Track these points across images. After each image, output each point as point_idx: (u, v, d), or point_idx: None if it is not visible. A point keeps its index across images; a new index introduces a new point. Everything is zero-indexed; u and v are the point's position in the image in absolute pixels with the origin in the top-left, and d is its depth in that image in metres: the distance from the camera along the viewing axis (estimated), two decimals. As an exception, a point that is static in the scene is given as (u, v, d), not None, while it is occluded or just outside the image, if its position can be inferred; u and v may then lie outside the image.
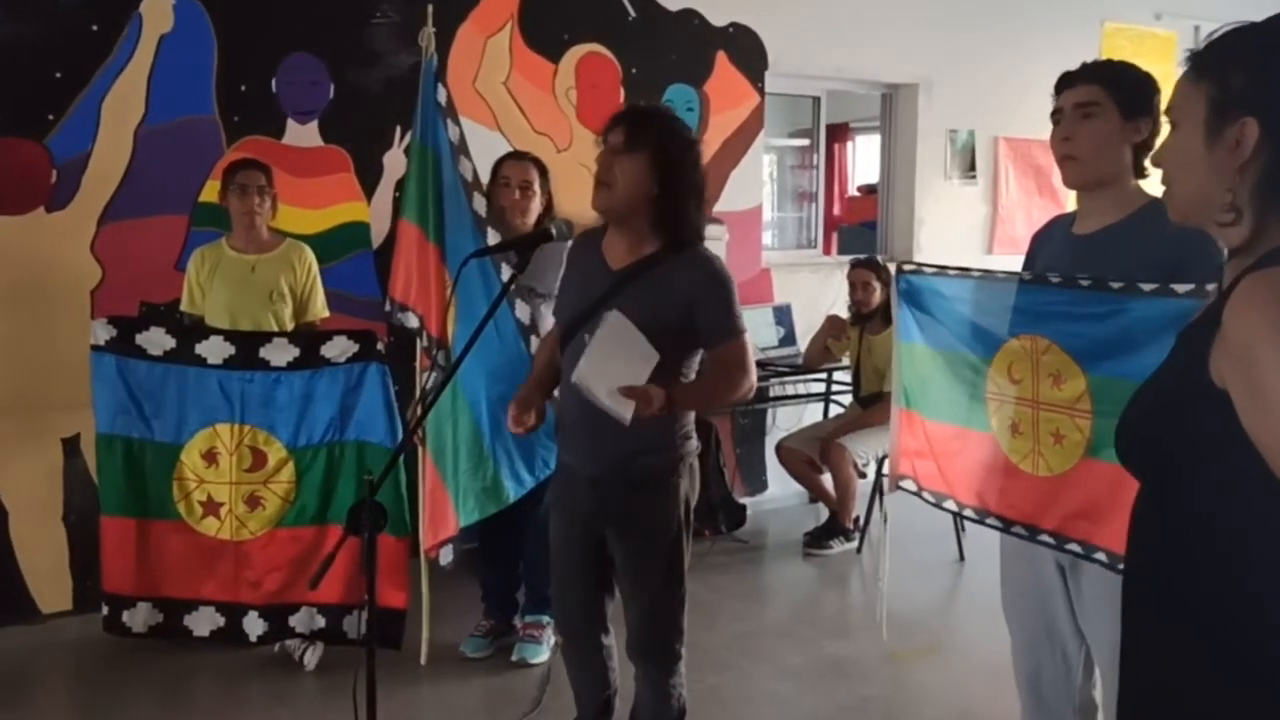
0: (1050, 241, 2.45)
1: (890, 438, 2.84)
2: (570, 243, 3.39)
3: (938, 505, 2.76)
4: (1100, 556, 2.25)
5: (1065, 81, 2.31)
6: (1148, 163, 2.28)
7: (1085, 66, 2.31)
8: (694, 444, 2.60)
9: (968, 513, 2.65)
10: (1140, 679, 1.50)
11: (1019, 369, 2.38)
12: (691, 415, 2.59)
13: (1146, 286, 2.10)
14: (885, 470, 5.12)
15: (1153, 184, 2.33)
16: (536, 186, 3.75)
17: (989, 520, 2.55)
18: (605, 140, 2.47)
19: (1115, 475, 2.19)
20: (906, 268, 2.69)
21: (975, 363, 2.52)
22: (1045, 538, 2.36)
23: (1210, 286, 2.03)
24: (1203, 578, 1.37)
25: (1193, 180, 1.41)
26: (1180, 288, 2.07)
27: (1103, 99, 2.23)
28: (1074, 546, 2.30)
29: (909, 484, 2.83)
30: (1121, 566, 2.17)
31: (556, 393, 3.40)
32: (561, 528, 2.70)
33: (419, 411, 3.50)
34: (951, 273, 2.62)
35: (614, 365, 2.34)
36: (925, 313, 2.66)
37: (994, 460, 2.50)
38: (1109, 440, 2.19)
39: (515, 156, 3.90)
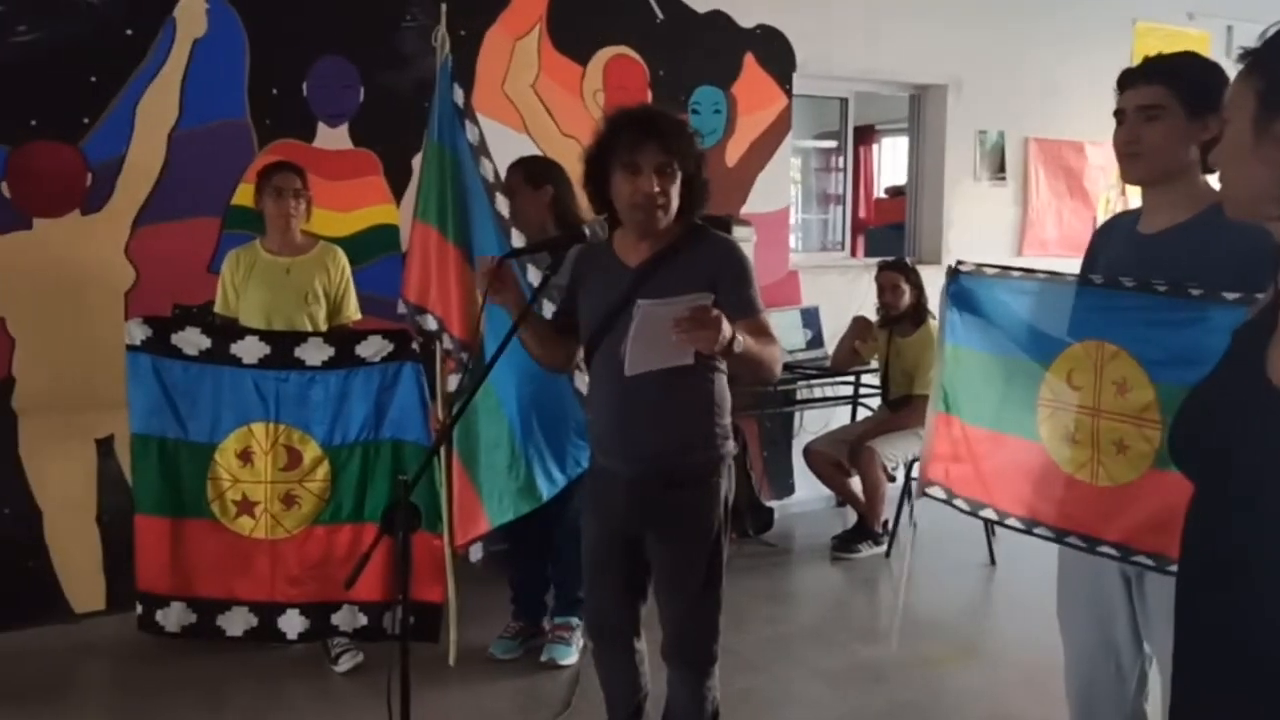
0: (1113, 239, 2.37)
1: (924, 442, 2.76)
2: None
3: (973, 513, 2.66)
4: (1173, 569, 2.16)
5: (1127, 80, 2.20)
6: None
7: (1148, 64, 2.21)
8: (733, 444, 2.58)
9: (1011, 521, 2.53)
10: (1195, 686, 1.48)
11: (1080, 375, 2.28)
12: (728, 415, 2.57)
13: (1230, 295, 1.99)
14: (915, 474, 5.12)
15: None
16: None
17: (1037, 530, 2.44)
18: (634, 154, 2.39)
19: (1185, 488, 2.15)
20: (963, 269, 2.58)
21: (1031, 368, 2.41)
22: (1107, 549, 2.26)
23: None
24: (1261, 581, 1.34)
25: (1244, 176, 1.39)
26: (1264, 296, 1.99)
27: (1167, 100, 2.13)
28: (1143, 559, 2.19)
29: (937, 491, 2.73)
30: None
31: (584, 389, 3.43)
32: (596, 531, 2.68)
33: (451, 411, 3.51)
34: (1015, 274, 2.52)
35: (656, 347, 2.30)
36: (979, 315, 2.56)
37: (1044, 469, 2.40)
38: None
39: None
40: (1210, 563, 1.45)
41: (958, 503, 2.70)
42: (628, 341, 2.27)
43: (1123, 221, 2.38)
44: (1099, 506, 2.28)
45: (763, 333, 2.45)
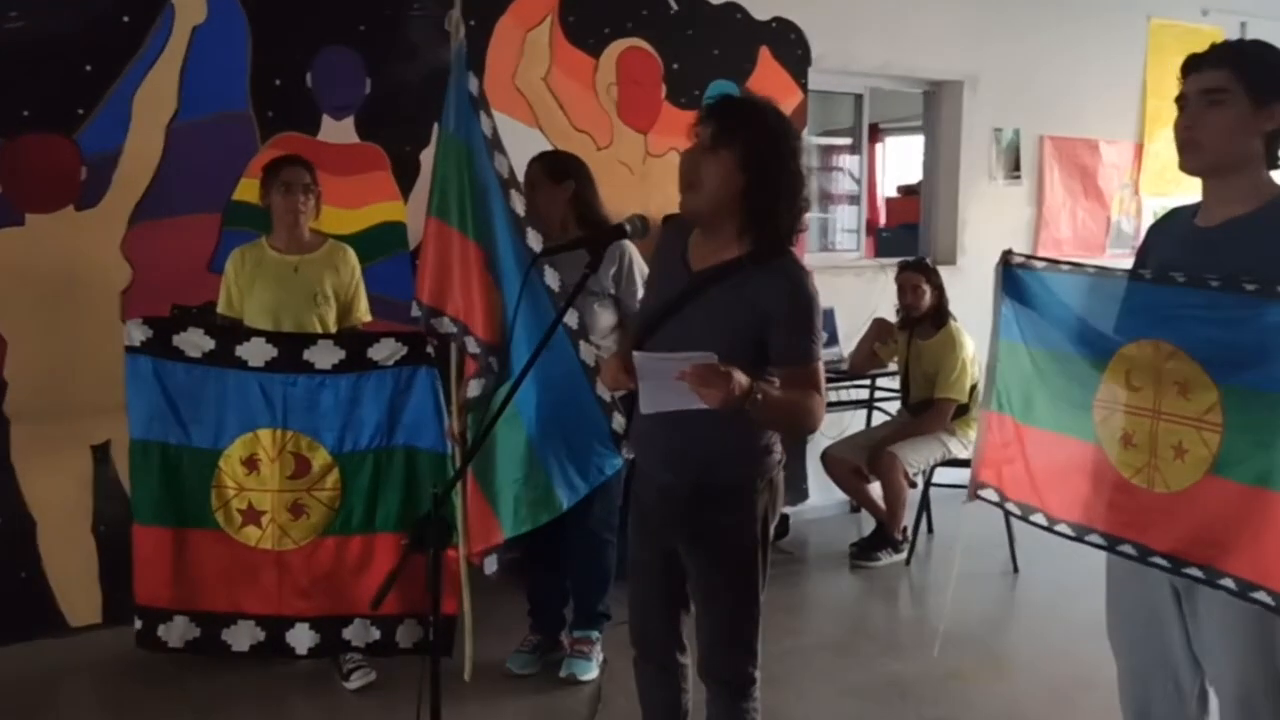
0: (1168, 234, 2.28)
1: (976, 442, 2.69)
2: (626, 241, 3.25)
3: (1024, 518, 2.61)
4: (1228, 583, 2.06)
5: (1191, 65, 2.12)
6: None
7: (1214, 49, 2.12)
8: (776, 458, 2.43)
9: (1061, 528, 2.47)
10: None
11: (1139, 376, 2.20)
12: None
13: None
14: (935, 479, 5.00)
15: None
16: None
17: (1089, 537, 2.37)
18: (695, 136, 2.29)
19: (1245, 496, 2.05)
20: (1014, 259, 2.51)
21: (1085, 367, 2.34)
22: (1158, 559, 2.18)
23: None
24: None
25: None
26: None
27: (1231, 85, 2.04)
28: (1194, 571, 2.12)
29: (990, 494, 2.68)
30: (1255, 595, 2.02)
31: (606, 396, 3.30)
32: (636, 536, 2.56)
33: (467, 420, 3.36)
34: (1064, 268, 2.45)
35: (669, 390, 2.16)
36: (1030, 309, 2.49)
37: (1100, 473, 2.32)
38: (1240, 457, 2.05)
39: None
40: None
41: (1009, 506, 2.63)
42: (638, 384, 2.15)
43: (1179, 216, 2.28)
44: (1153, 514, 2.20)
45: (805, 384, 2.25)
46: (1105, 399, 2.28)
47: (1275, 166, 2.11)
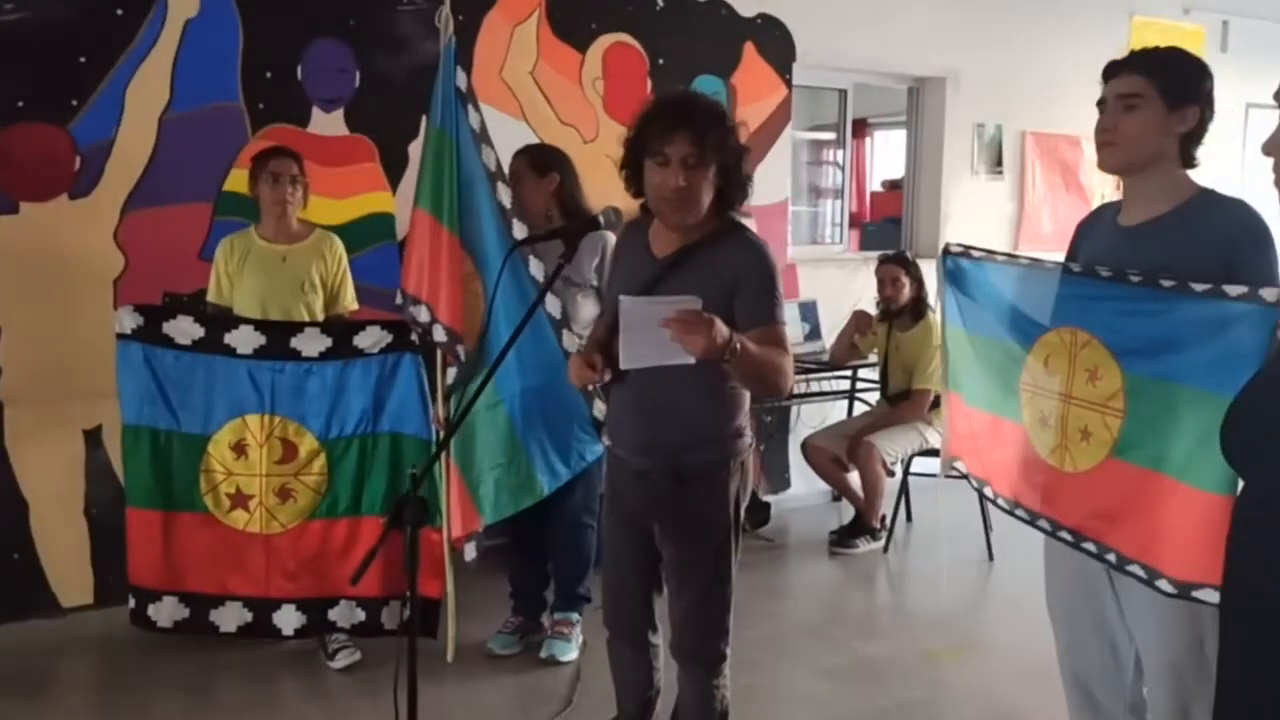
0: (1096, 231, 2.40)
1: (944, 421, 2.81)
2: (607, 232, 3.33)
3: (979, 490, 2.74)
4: (1111, 557, 2.21)
5: (1110, 71, 2.25)
6: (1198, 151, 2.23)
7: (1131, 55, 2.25)
8: (747, 441, 2.53)
9: (1001, 502, 2.61)
10: (1245, 684, 1.44)
11: (1056, 361, 2.33)
12: (746, 411, 2.52)
13: (1198, 287, 2.04)
14: (914, 469, 5.09)
15: (1201, 174, 2.28)
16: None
17: (1018, 511, 2.52)
18: (664, 144, 2.32)
19: (1137, 478, 2.18)
20: (954, 248, 2.65)
21: (1014, 351, 2.47)
22: (1064, 534, 2.33)
23: (1266, 290, 1.96)
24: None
25: None
26: (1232, 290, 1.99)
27: (1145, 90, 2.17)
28: (1090, 545, 2.26)
29: (961, 465, 2.80)
30: (1130, 569, 2.15)
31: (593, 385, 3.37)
32: (611, 520, 2.66)
33: (450, 406, 3.44)
34: (999, 258, 2.57)
35: (651, 343, 2.24)
36: (968, 296, 2.62)
37: (1025, 452, 2.46)
38: (1136, 441, 2.18)
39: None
40: (1261, 560, 1.41)
41: (972, 480, 2.76)
42: (620, 343, 2.22)
43: (1106, 213, 2.39)
44: (1063, 491, 2.34)
45: (774, 344, 2.36)
46: (1028, 382, 2.42)
47: (1191, 166, 2.23)
